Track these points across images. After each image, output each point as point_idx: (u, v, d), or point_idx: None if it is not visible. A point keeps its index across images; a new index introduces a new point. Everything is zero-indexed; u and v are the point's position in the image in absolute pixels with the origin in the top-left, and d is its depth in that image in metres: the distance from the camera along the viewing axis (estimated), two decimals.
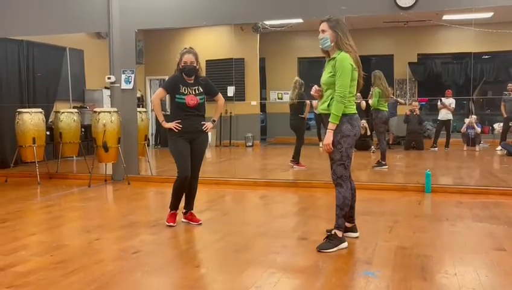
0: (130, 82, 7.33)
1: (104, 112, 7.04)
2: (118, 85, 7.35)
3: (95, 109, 7.35)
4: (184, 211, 4.61)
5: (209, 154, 10.94)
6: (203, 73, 4.63)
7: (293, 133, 8.44)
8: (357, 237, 3.95)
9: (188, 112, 4.39)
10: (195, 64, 4.37)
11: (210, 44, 11.49)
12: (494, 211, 4.97)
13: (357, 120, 3.73)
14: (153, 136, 12.88)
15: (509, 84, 10.83)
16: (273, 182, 6.96)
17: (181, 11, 7.32)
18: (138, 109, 7.78)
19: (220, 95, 4.63)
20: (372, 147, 11.15)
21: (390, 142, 11.93)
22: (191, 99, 4.37)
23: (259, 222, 4.83)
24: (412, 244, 3.80)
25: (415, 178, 6.75)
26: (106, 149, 6.88)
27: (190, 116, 4.40)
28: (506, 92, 10.75)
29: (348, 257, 3.54)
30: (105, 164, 7.38)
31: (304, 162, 8.24)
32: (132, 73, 7.35)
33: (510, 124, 10.40)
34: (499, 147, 10.35)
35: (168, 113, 4.59)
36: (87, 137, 8.68)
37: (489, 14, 9.26)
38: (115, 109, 7.11)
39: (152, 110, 12.93)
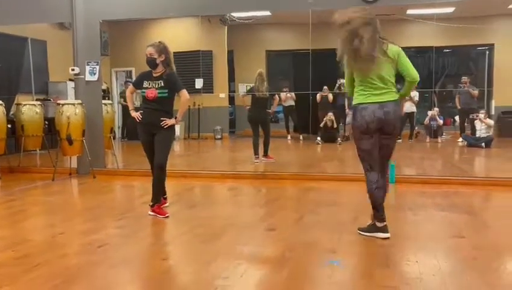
0: (94, 74, 7.18)
1: (68, 104, 6.89)
2: (83, 77, 7.19)
3: (58, 101, 7.18)
4: (151, 203, 4.58)
5: (177, 147, 10.87)
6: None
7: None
8: (387, 238, 3.68)
9: (147, 105, 4.52)
10: (154, 57, 4.46)
11: (177, 36, 11.39)
12: (455, 200, 5.14)
13: (361, 111, 3.61)
14: (120, 129, 12.69)
15: (463, 78, 11.22)
16: (241, 174, 6.98)
17: (147, 2, 7.21)
18: (103, 101, 7.64)
19: (183, 92, 4.55)
20: (339, 139, 11.33)
21: None
22: (150, 93, 4.47)
23: (227, 213, 4.85)
24: None
25: None
26: (70, 142, 6.74)
27: (148, 110, 4.51)
28: (461, 85, 11.12)
29: (313, 247, 3.59)
30: (70, 157, 7.23)
31: (272, 154, 8.28)
32: (97, 64, 7.20)
33: (471, 116, 10.77)
34: (460, 139, 10.70)
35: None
36: (51, 130, 8.47)
37: (450, 9, 9.52)
38: (79, 101, 6.97)
39: (118, 102, 12.78)
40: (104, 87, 10.31)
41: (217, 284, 2.83)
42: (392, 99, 3.60)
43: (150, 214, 4.54)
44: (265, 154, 8.15)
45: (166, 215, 4.49)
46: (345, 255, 3.37)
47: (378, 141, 3.66)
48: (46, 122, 8.18)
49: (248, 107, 8.07)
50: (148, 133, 4.52)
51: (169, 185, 4.81)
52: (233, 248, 3.59)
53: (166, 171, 4.58)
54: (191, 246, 3.75)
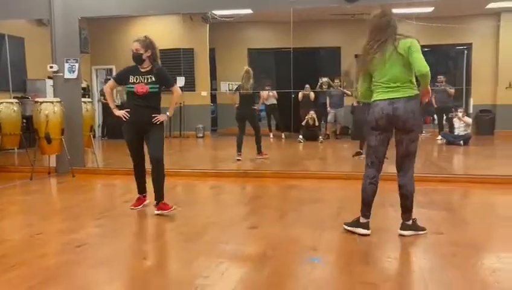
0: (73, 71, 7.08)
1: (46, 102, 6.78)
2: (61, 74, 7.09)
3: (36, 99, 7.06)
4: (155, 202, 4.51)
5: None
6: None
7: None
8: (366, 235, 3.71)
9: (136, 103, 4.39)
10: (141, 52, 4.39)
11: (158, 33, 11.18)
12: (433, 198, 5.20)
13: (372, 108, 3.69)
14: (100, 127, 12.55)
15: (439, 77, 11.39)
16: (223, 172, 6.96)
17: None
18: (83, 99, 7.54)
19: (176, 87, 4.58)
20: (321, 137, 11.38)
21: (338, 133, 12.23)
22: (141, 88, 4.35)
23: (209, 212, 4.83)
24: None
25: (361, 167, 6.92)
26: (49, 141, 6.64)
27: (137, 107, 4.39)
28: (437, 84, 11.29)
29: (295, 244, 3.60)
30: (49, 156, 7.12)
31: (254, 152, 8.24)
32: (76, 62, 7.10)
33: (450, 115, 10.93)
34: (439, 137, 10.85)
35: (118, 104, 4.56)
36: (30, 128, 8.32)
37: (429, 9, 9.66)
38: (58, 99, 6.86)
39: (98, 100, 12.62)
40: (84, 85, 10.17)
41: (198, 284, 2.82)
42: (403, 96, 3.58)
43: (156, 213, 4.44)
44: (259, 152, 8.14)
45: (172, 208, 4.42)
46: (325, 252, 3.39)
47: (395, 138, 3.71)
48: (24, 121, 8.03)
49: (236, 105, 8.12)
50: (137, 132, 4.42)
51: (151, 184, 4.74)
52: (215, 246, 3.57)
53: (164, 167, 4.49)
54: (172, 245, 3.73)
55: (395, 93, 3.59)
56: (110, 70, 13.11)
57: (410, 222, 3.75)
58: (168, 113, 4.57)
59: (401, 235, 3.71)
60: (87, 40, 11.65)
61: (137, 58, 4.41)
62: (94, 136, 8.33)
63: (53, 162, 7.20)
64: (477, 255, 3.32)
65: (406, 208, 3.75)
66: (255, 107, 8.34)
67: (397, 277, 2.95)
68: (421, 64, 3.48)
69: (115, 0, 7.12)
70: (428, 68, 3.49)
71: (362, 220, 3.74)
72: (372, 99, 3.72)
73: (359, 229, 3.72)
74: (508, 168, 7.25)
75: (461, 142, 10.05)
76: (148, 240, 4.01)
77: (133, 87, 4.37)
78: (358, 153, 8.02)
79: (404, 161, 3.75)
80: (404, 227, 3.74)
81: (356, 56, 12.40)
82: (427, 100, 3.78)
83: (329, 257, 3.31)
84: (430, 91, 3.70)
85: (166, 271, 3.16)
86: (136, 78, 4.38)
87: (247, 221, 4.33)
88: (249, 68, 8.26)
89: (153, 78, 4.38)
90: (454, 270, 3.02)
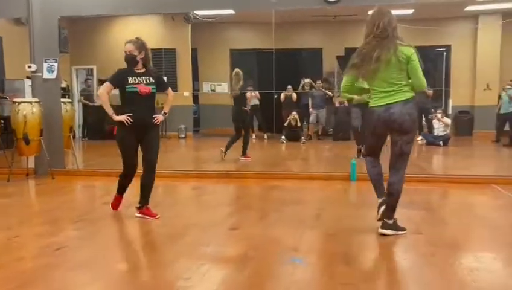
0: (52, 71, 6.97)
1: (24, 102, 6.66)
2: (40, 74, 6.98)
3: (14, 100, 6.93)
4: (139, 205, 4.42)
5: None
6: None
7: (229, 124, 8.26)
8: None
9: (139, 103, 4.29)
10: (135, 54, 4.33)
11: (139, 33, 10.93)
12: (413, 198, 5.25)
13: (370, 114, 3.78)
14: (80, 128, 12.39)
15: None
16: (205, 173, 6.94)
17: None
18: (63, 100, 7.43)
19: (170, 89, 4.65)
20: (303, 137, 11.44)
21: (320, 134, 12.30)
22: (144, 88, 4.30)
23: (190, 213, 4.81)
24: (337, 231, 3.95)
25: (342, 167, 6.98)
26: (27, 141, 6.52)
27: (140, 108, 4.29)
28: None
29: (276, 245, 3.61)
30: (27, 158, 6.99)
31: (237, 153, 8.24)
32: (55, 62, 6.99)
33: (430, 117, 11.08)
34: (420, 137, 10.99)
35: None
36: (7, 129, 8.17)
37: (410, 11, 9.78)
38: (37, 100, 6.75)
39: (78, 101, 12.46)
40: (63, 85, 10.04)
41: (179, 285, 2.80)
42: (400, 99, 3.60)
43: (137, 216, 4.38)
44: (244, 154, 8.15)
45: (157, 216, 4.36)
46: (307, 253, 3.40)
47: (391, 138, 3.79)
48: (2, 121, 7.89)
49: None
50: (137, 135, 4.33)
51: (132, 186, 4.69)
52: (196, 248, 3.56)
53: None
54: (152, 246, 3.70)
55: (391, 98, 3.63)
56: (91, 70, 12.96)
57: (391, 221, 3.79)
58: (164, 112, 4.55)
59: (382, 234, 3.74)
60: (66, 40, 11.49)
61: (131, 59, 4.33)
62: (74, 137, 8.21)
63: (31, 164, 7.07)
64: (456, 255, 3.37)
65: (391, 206, 3.80)
66: (246, 108, 8.38)
67: (378, 277, 2.97)
68: (421, 81, 3.61)
69: None
70: (426, 84, 3.69)
71: (379, 200, 3.84)
72: (370, 105, 3.78)
73: (381, 207, 3.81)
74: (486, 168, 7.40)
75: (441, 142, 10.20)
76: (128, 242, 3.97)
77: (135, 88, 4.27)
78: (359, 151, 8.06)
79: (397, 160, 3.81)
80: (385, 226, 3.78)
81: (338, 57, 12.55)
82: None
83: (311, 257, 3.32)
84: None
85: (146, 273, 3.13)
86: (135, 79, 4.30)
87: (228, 222, 4.32)
88: (239, 70, 8.26)
89: (152, 80, 4.36)
90: (433, 270, 3.06)
